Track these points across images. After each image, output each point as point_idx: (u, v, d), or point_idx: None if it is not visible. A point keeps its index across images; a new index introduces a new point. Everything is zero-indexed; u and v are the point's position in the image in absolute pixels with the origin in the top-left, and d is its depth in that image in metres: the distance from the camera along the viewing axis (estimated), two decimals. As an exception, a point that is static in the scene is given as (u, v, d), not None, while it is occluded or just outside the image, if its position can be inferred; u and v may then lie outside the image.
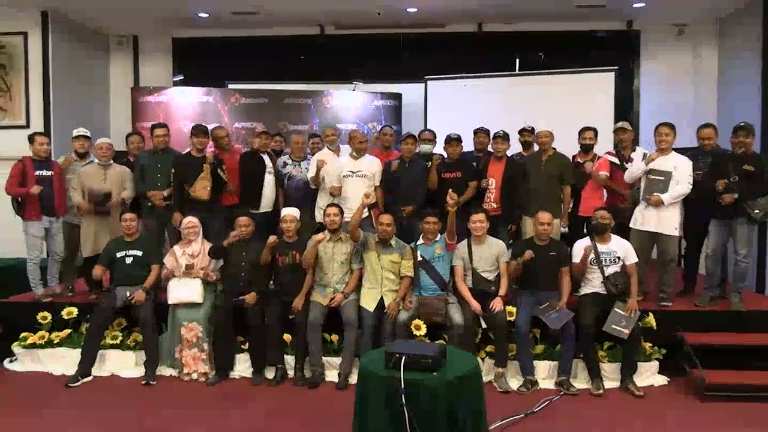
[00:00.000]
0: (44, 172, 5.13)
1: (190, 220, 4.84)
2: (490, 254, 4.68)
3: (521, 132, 5.67)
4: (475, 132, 5.60)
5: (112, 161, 5.29)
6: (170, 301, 4.69)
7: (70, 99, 7.14)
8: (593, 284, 4.63)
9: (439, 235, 4.73)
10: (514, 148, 5.69)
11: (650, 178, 4.75)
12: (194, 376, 4.63)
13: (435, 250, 4.69)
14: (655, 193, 4.70)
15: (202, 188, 5.02)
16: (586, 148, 5.30)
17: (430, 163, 5.36)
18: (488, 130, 5.56)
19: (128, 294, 4.74)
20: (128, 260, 4.83)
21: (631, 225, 4.90)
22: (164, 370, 4.74)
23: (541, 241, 4.65)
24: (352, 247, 4.75)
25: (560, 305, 4.48)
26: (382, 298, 4.62)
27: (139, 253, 4.86)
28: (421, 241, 4.76)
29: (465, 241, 4.75)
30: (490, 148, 5.48)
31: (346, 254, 4.74)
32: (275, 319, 4.63)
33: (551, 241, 4.70)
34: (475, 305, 4.53)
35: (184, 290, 4.67)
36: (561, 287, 4.60)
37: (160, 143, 5.29)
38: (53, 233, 5.22)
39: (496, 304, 4.51)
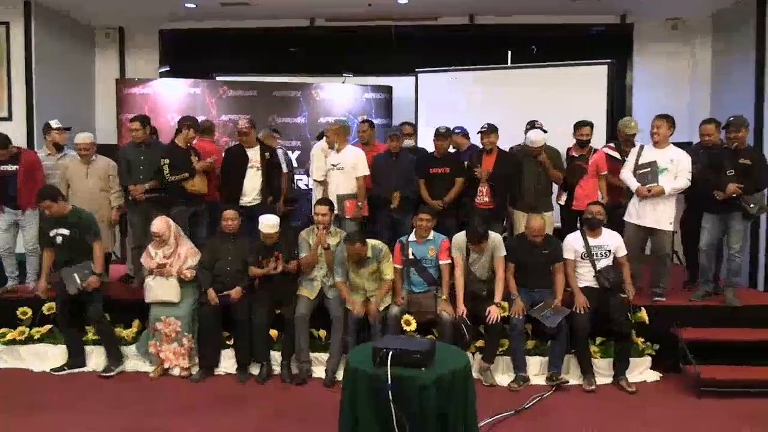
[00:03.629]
0: (9, 167, 5.09)
1: (156, 231, 4.60)
2: (487, 253, 4.53)
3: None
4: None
5: (95, 156, 5.22)
6: (147, 300, 4.61)
7: (54, 91, 6.98)
8: (585, 278, 4.57)
9: (433, 234, 4.60)
10: (510, 140, 5.61)
11: (638, 174, 4.73)
12: (176, 371, 4.53)
13: (428, 251, 4.57)
14: (649, 185, 4.64)
15: (201, 182, 5.06)
16: (582, 143, 5.23)
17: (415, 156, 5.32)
18: (464, 130, 5.36)
19: (78, 281, 4.48)
20: (59, 240, 4.54)
21: (625, 218, 4.84)
22: (143, 366, 4.69)
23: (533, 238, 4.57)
24: (341, 239, 4.65)
25: (555, 303, 4.42)
26: (368, 298, 4.55)
27: (66, 231, 4.53)
28: (413, 237, 4.64)
29: (464, 235, 4.57)
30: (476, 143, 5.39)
31: (334, 248, 4.64)
32: (262, 314, 4.54)
33: (544, 237, 4.61)
34: (460, 309, 4.42)
35: (161, 290, 4.57)
36: (555, 285, 4.53)
37: (137, 138, 5.19)
38: (23, 226, 5.15)
39: (492, 314, 4.41)
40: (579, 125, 5.21)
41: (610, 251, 4.55)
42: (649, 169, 4.67)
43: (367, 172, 5.10)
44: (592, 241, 4.56)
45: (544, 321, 4.36)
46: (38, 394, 4.16)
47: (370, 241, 4.46)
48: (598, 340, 4.53)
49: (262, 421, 3.79)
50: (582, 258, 4.56)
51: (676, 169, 4.64)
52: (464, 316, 4.38)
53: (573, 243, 4.60)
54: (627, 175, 4.82)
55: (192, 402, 4.05)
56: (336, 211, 4.94)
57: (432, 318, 4.48)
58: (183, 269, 4.62)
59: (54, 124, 5.41)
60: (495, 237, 4.57)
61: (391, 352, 2.76)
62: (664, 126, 4.68)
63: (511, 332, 4.44)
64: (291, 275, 4.67)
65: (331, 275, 4.63)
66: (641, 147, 4.85)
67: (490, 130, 5.10)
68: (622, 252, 4.57)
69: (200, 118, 6.02)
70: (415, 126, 5.53)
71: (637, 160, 4.77)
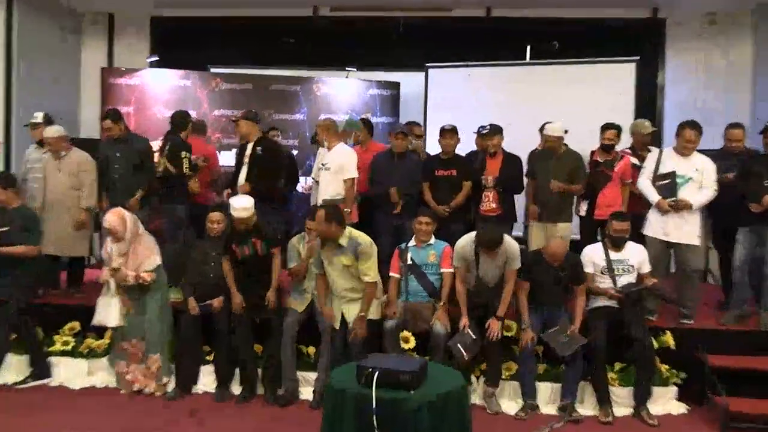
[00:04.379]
0: None
1: (108, 226, 4.45)
2: (500, 260, 4.36)
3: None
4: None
5: (65, 152, 5.15)
6: (92, 322, 4.55)
7: (36, 80, 7.01)
8: (605, 296, 4.45)
9: (434, 239, 4.54)
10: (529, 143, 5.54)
11: (657, 185, 4.65)
12: (147, 390, 4.46)
13: (428, 256, 4.51)
14: (672, 199, 4.55)
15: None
16: (607, 148, 5.14)
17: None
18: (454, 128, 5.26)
19: None
20: None
21: (645, 232, 4.74)
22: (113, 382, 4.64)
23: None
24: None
25: (572, 329, 4.30)
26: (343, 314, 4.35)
27: (5, 228, 4.44)
28: (412, 242, 4.58)
29: (471, 239, 4.39)
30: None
31: None
32: (245, 330, 4.47)
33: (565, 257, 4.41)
34: (463, 321, 4.30)
35: (102, 312, 4.48)
36: (574, 308, 4.40)
37: (112, 134, 5.19)
38: None
39: (493, 329, 4.29)
40: (604, 128, 5.12)
41: (632, 267, 4.46)
42: (669, 180, 4.59)
43: (355, 175, 5.03)
44: (613, 255, 4.47)
45: (557, 348, 4.25)
46: (38, 393, 4.31)
47: (351, 231, 4.23)
48: (617, 366, 4.43)
49: (262, 422, 3.96)
50: (602, 273, 4.47)
51: (701, 178, 4.56)
52: (467, 329, 4.25)
53: (592, 255, 4.51)
54: (645, 185, 4.72)
55: (155, 421, 4.04)
56: None
57: (427, 329, 4.38)
58: (141, 272, 4.49)
59: (34, 118, 5.41)
60: (511, 245, 4.34)
61: (377, 372, 2.73)
62: (699, 138, 4.60)
63: (519, 355, 4.35)
64: (268, 262, 4.52)
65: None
66: (660, 152, 4.76)
67: (493, 132, 5.06)
68: (646, 268, 4.48)
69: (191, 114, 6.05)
70: (423, 128, 5.44)
71: (656, 167, 4.68)
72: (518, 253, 4.36)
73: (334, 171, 5.02)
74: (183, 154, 5.16)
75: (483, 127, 5.34)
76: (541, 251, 4.52)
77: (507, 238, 4.34)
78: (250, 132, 5.19)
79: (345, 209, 4.91)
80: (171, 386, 4.49)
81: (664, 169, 4.64)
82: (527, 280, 4.41)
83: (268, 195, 5.05)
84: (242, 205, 4.40)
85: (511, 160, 5.13)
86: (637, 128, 5.28)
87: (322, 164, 5.11)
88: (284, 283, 4.71)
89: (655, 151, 4.94)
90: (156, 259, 4.57)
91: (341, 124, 5.78)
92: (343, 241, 4.18)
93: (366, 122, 5.78)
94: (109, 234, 4.50)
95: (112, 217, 4.46)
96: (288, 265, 4.62)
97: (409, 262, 4.50)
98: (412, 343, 4.42)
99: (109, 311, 4.46)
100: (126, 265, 4.46)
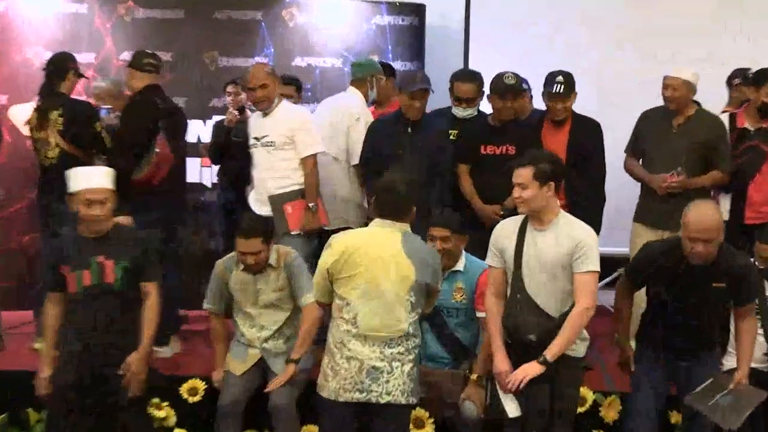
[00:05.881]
0: None
1: None
2: (559, 250, 4.03)
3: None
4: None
5: None
6: None
7: None
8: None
9: (465, 261, 4.52)
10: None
11: None
12: None
13: (452, 294, 4.50)
14: None
15: None
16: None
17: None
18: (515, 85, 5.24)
19: None
20: None
21: None
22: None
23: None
24: (287, 278, 4.62)
25: (737, 381, 4.16)
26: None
27: None
28: None
29: (517, 221, 4.13)
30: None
31: (279, 291, 4.59)
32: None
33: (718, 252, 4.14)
34: (500, 365, 3.97)
35: None
36: (740, 345, 4.27)
37: None
38: None
39: (516, 377, 3.86)
40: (762, 77, 5.14)
41: (802, 306, 4.47)
42: None
43: (320, 149, 5.16)
44: (774, 286, 4.51)
45: (717, 419, 4.09)
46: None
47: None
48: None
49: None
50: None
51: None
52: (488, 390, 4.06)
53: None
54: None
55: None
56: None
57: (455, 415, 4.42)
58: None
59: None
60: (579, 226, 4.01)
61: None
62: None
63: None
64: (135, 301, 4.34)
65: (280, 337, 4.62)
66: None
67: (567, 91, 5.09)
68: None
69: (85, 57, 6.07)
70: (479, 81, 5.40)
71: None
72: (595, 244, 4.03)
73: (281, 145, 5.12)
74: (98, 125, 5.31)
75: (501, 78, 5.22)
76: (677, 240, 4.17)
77: (565, 214, 4.12)
78: (134, 87, 5.41)
79: (309, 205, 5.06)
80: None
81: None
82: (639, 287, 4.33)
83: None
84: (95, 173, 4.27)
85: (584, 126, 5.21)
86: None
87: (256, 138, 5.23)
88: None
89: None
90: None
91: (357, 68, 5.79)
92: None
93: (387, 66, 5.94)
94: None
95: None
96: (205, 303, 4.71)
97: None
98: (428, 429, 4.46)
99: None
100: None
